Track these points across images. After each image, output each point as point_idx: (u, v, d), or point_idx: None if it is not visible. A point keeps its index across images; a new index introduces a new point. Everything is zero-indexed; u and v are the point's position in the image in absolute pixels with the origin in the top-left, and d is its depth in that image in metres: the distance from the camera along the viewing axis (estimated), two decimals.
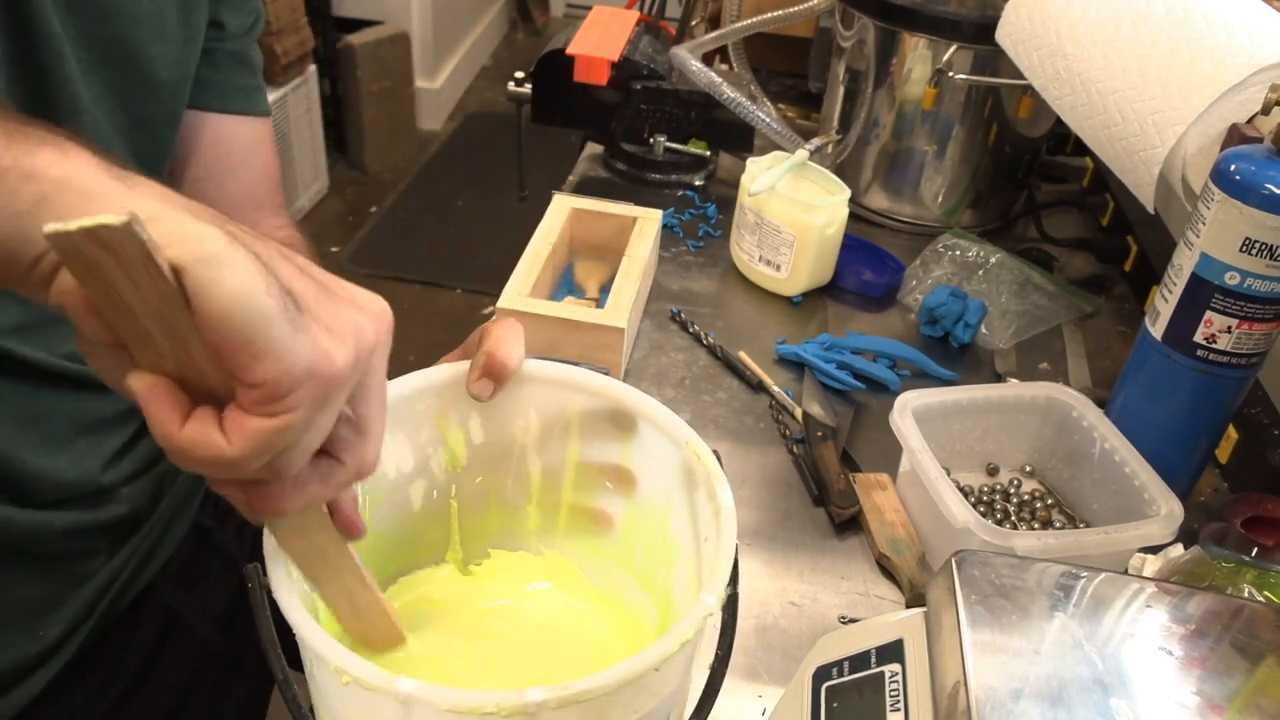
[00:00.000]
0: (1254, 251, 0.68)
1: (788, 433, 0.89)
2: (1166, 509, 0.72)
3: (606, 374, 0.86)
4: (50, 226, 0.33)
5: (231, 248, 0.36)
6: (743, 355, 0.96)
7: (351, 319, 0.40)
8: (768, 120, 1.17)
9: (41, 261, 0.38)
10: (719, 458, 0.55)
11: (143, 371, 0.38)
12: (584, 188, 1.23)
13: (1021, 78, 1.00)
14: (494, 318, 0.58)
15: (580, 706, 0.42)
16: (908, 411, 0.78)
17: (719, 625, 0.52)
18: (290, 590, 0.46)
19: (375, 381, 0.43)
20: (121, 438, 0.76)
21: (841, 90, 1.19)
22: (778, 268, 1.04)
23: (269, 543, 0.48)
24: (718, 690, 0.51)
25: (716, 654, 0.51)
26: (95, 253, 0.34)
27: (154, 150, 0.75)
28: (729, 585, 0.52)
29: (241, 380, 0.37)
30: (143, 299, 0.35)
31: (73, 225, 0.33)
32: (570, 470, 0.61)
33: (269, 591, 0.46)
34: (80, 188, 0.38)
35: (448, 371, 0.57)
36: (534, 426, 0.59)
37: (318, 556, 0.49)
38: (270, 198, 0.85)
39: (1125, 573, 0.70)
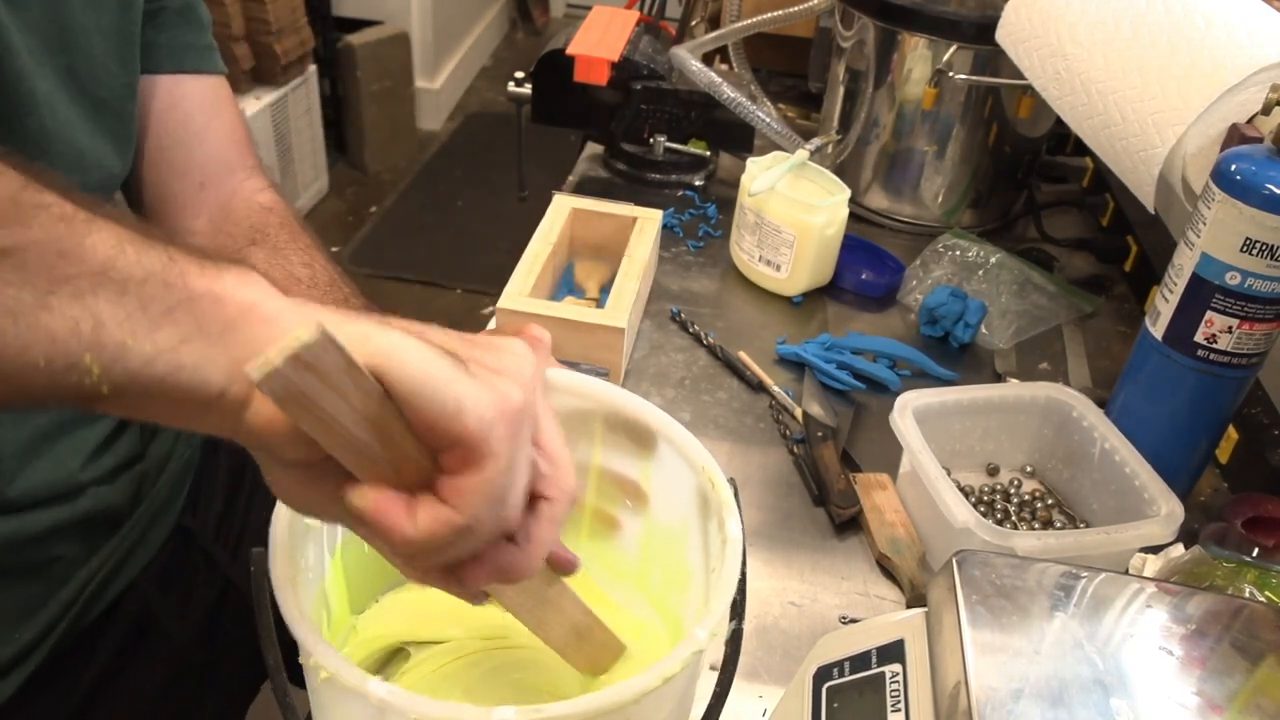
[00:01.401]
0: (1254, 251, 0.68)
1: (788, 433, 0.88)
2: (1166, 509, 0.72)
3: (607, 375, 0.87)
4: (255, 369, 0.33)
5: (391, 332, 0.39)
6: (743, 355, 0.96)
7: (505, 358, 0.42)
8: (768, 120, 1.16)
9: (229, 391, 0.38)
10: (735, 487, 0.55)
11: (361, 488, 0.39)
12: (584, 188, 1.23)
13: (1021, 78, 1.00)
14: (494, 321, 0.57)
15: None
16: (908, 411, 0.78)
17: (721, 658, 0.52)
18: (287, 580, 0.45)
19: (545, 409, 0.45)
20: (102, 432, 0.74)
21: (841, 90, 1.19)
22: (778, 268, 1.04)
23: (276, 527, 0.47)
24: None
25: (714, 690, 0.51)
26: (300, 377, 0.34)
27: (124, 131, 0.73)
28: (734, 620, 0.51)
29: (447, 443, 0.39)
30: (350, 406, 0.36)
31: (276, 358, 0.33)
32: (594, 476, 0.61)
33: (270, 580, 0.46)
34: (263, 314, 0.39)
35: None
36: None
37: (540, 603, 0.49)
38: (241, 160, 0.83)
39: (1125, 573, 0.70)
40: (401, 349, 0.38)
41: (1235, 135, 0.77)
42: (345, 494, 0.39)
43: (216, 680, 0.87)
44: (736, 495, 0.54)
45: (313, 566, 0.52)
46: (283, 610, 0.44)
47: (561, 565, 0.50)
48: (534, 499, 0.44)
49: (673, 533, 0.59)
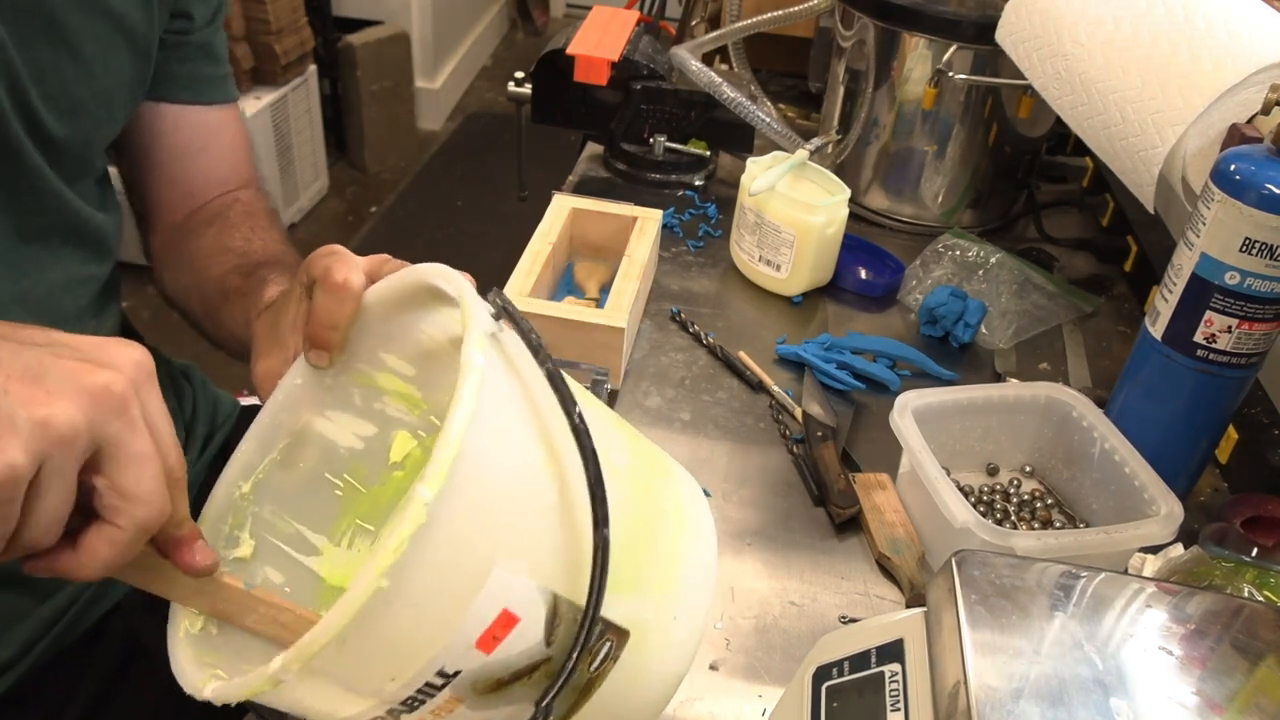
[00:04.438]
0: (1254, 251, 0.68)
1: (788, 433, 0.88)
2: (1166, 509, 0.72)
3: (606, 375, 0.87)
4: None
5: None
6: (743, 355, 0.96)
7: (37, 410, 0.37)
8: (768, 120, 1.17)
9: None
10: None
11: None
12: (584, 188, 1.23)
13: (1021, 78, 1.00)
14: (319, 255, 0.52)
15: (328, 653, 0.38)
16: (908, 411, 0.78)
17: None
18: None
19: (130, 445, 0.40)
20: None
21: (841, 90, 1.19)
22: (778, 268, 1.04)
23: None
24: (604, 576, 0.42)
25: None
26: None
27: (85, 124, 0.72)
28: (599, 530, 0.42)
29: None
30: None
31: None
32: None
33: None
34: None
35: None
36: (438, 335, 0.53)
37: (208, 604, 0.47)
38: (236, 176, 0.86)
39: (1125, 573, 0.70)
40: None
41: (1235, 135, 0.77)
42: None
43: (210, 711, 0.86)
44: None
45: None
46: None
47: (184, 566, 0.45)
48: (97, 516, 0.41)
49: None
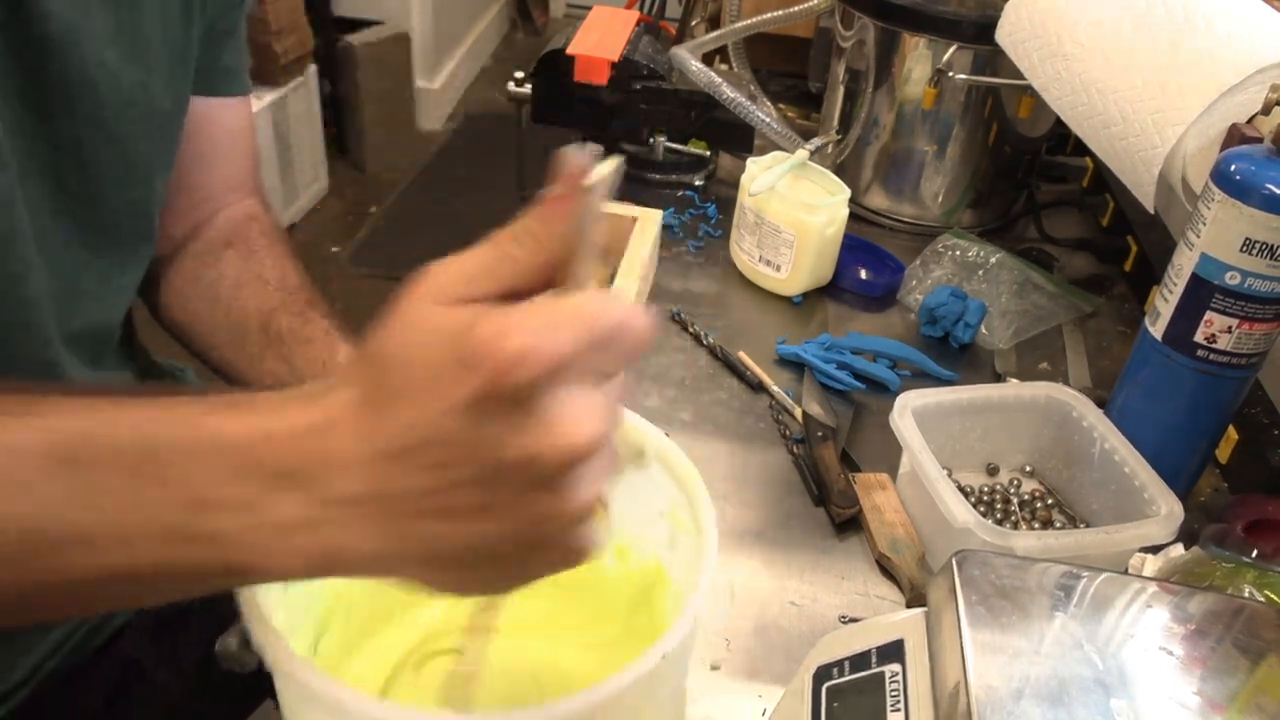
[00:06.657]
0: (1254, 251, 0.68)
1: (788, 433, 0.88)
2: (1166, 509, 0.72)
3: None
4: None
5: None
6: (743, 355, 0.96)
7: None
8: (768, 120, 1.16)
9: None
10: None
11: None
12: None
13: (1021, 78, 1.00)
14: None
15: None
16: (908, 411, 0.78)
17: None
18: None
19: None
20: None
21: (841, 90, 1.19)
22: (778, 268, 1.04)
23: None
24: None
25: None
26: None
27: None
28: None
29: None
30: None
31: None
32: None
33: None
34: None
35: None
36: None
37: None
38: (247, 184, 0.81)
39: (1125, 573, 0.70)
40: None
41: (1235, 135, 0.77)
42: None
43: None
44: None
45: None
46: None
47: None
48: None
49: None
